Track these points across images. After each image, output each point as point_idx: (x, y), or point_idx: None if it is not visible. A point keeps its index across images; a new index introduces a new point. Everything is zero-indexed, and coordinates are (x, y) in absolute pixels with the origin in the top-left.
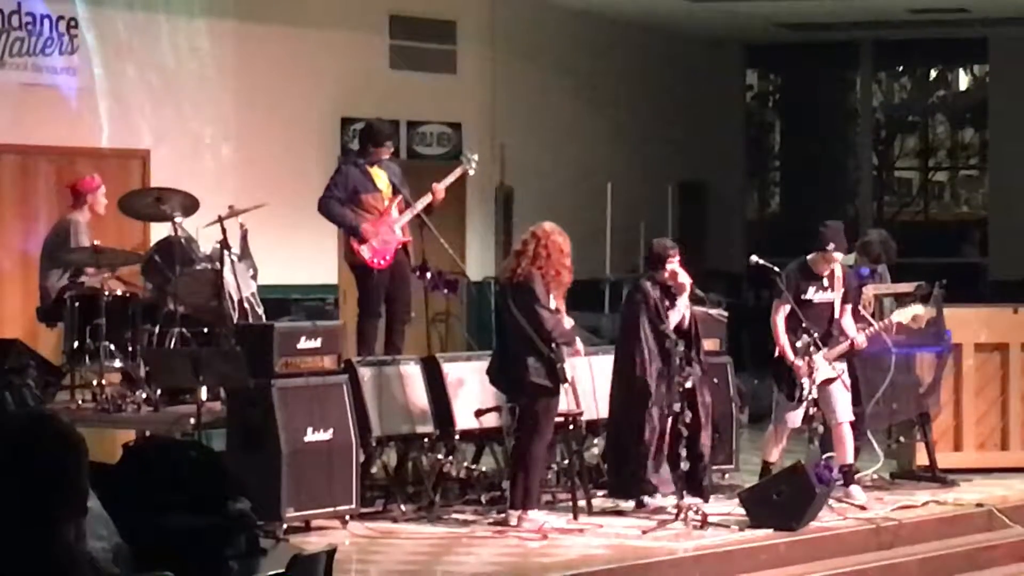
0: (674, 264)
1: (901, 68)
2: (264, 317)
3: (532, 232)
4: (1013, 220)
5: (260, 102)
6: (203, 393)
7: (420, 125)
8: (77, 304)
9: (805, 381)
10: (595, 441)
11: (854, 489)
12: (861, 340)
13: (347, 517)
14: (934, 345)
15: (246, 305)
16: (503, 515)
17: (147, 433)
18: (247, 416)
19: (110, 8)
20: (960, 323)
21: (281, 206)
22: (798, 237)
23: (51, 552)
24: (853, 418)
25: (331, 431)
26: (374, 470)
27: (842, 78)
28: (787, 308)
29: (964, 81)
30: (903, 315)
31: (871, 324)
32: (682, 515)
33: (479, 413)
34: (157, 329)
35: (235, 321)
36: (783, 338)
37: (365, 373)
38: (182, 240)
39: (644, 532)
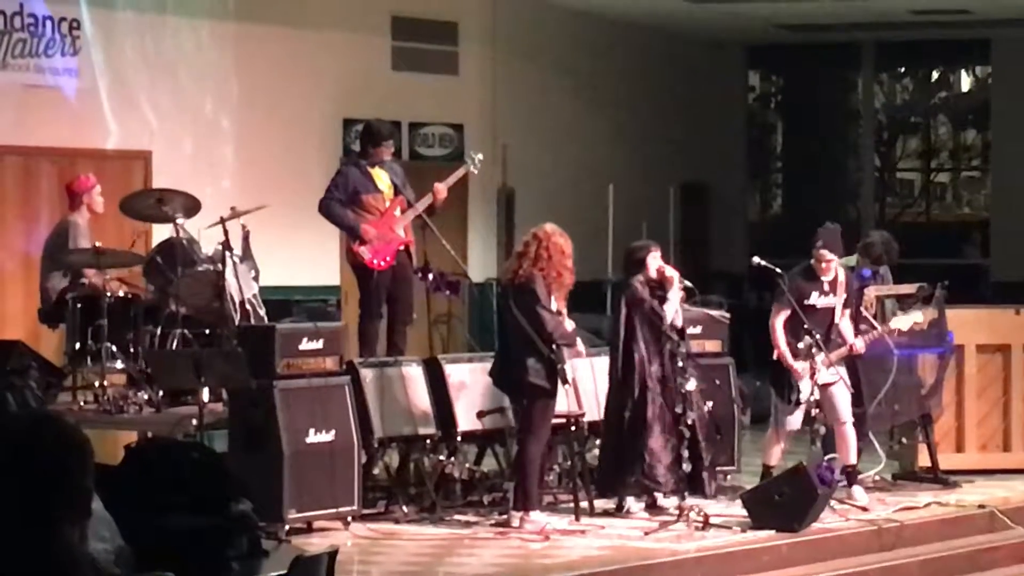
0: (657, 260)
1: (903, 69)
2: (266, 318)
3: (533, 233)
4: (1015, 221)
5: (262, 103)
6: (205, 394)
7: (422, 126)
8: (79, 305)
9: (805, 383)
10: (596, 442)
11: (856, 490)
12: (860, 345)
13: (349, 518)
14: (936, 346)
15: (248, 306)
16: (505, 516)
17: (149, 434)
18: (249, 417)
19: (112, 9)
20: (962, 324)
21: (283, 207)
22: (800, 238)
23: (53, 553)
24: (853, 419)
25: (333, 432)
26: (376, 471)
27: (844, 79)
28: (786, 312)
29: (966, 82)
30: (903, 322)
31: (873, 327)
32: (684, 516)
33: (481, 414)
34: (159, 330)
35: (237, 322)
36: (782, 342)
37: (367, 374)
38: (184, 241)
39: (646, 533)
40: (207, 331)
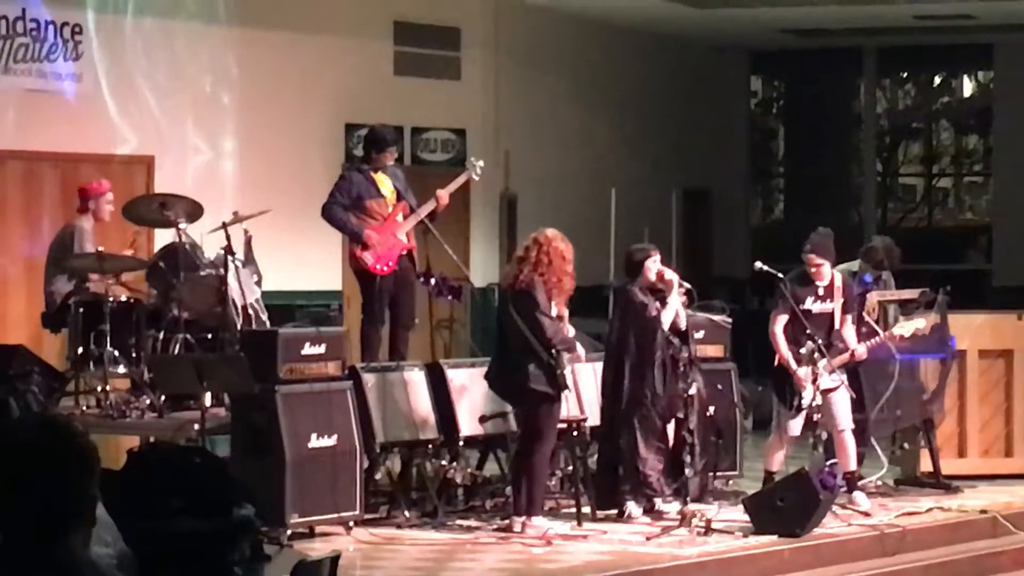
0: (656, 263)
1: (905, 74)
2: (268, 323)
3: (534, 238)
4: (1017, 226)
5: (264, 108)
6: (207, 399)
7: (424, 131)
8: (81, 310)
9: (808, 389)
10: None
11: (858, 496)
12: (861, 351)
13: (351, 523)
14: (938, 351)
15: (250, 311)
16: (507, 521)
17: (151, 439)
18: (251, 422)
19: (115, 14)
20: (964, 329)
21: (285, 212)
22: (802, 243)
23: (55, 559)
24: (853, 426)
25: (335, 437)
26: (378, 476)
27: (846, 84)
28: (785, 318)
29: (968, 87)
30: (905, 329)
31: (876, 332)
32: (686, 521)
33: (483, 419)
34: (161, 335)
35: (239, 327)
36: (783, 348)
37: (369, 379)
38: (186, 246)
39: (648, 538)
40: (210, 336)
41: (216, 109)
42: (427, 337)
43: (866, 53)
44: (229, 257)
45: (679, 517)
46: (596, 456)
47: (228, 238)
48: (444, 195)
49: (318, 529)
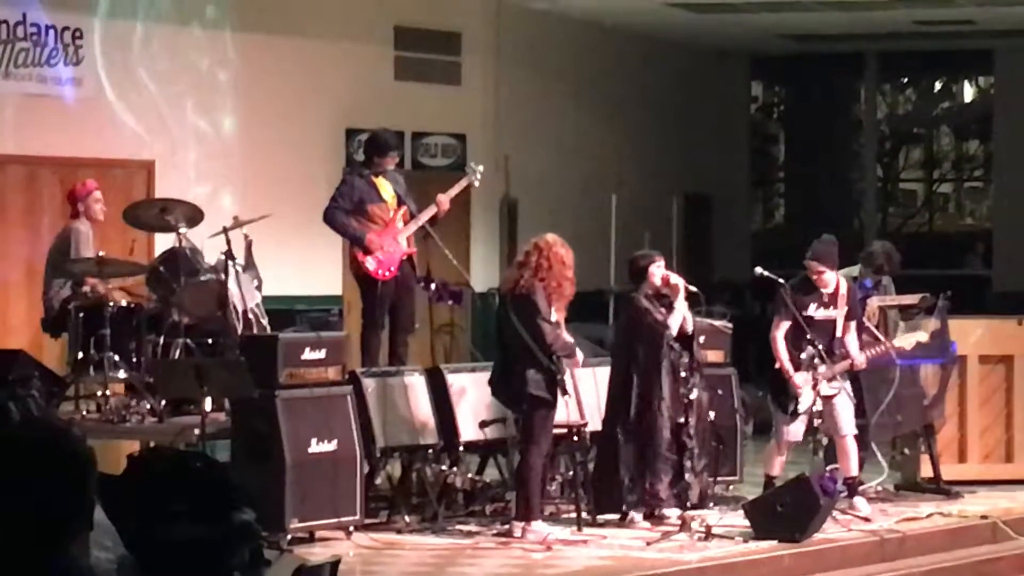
0: (661, 269)
1: (906, 80)
2: (268, 328)
3: (534, 243)
4: (1018, 232)
5: (265, 113)
6: (207, 404)
7: (425, 136)
8: (81, 315)
9: (806, 395)
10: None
11: (858, 501)
12: (861, 361)
13: (351, 528)
14: (939, 357)
15: (250, 316)
16: (507, 526)
17: (151, 444)
18: (251, 427)
19: (116, 19)
20: (965, 335)
21: (286, 217)
22: (803, 248)
23: (54, 564)
24: (856, 431)
25: (335, 442)
26: (378, 481)
27: (847, 89)
28: (787, 324)
29: (969, 93)
30: (906, 341)
31: (878, 340)
32: (686, 526)
33: (483, 424)
34: (161, 340)
35: (239, 332)
36: (784, 354)
37: (369, 384)
38: (187, 251)
39: (648, 543)
40: (210, 341)
41: (216, 114)
42: (427, 342)
43: (867, 58)
44: (230, 262)
45: (679, 522)
46: (595, 463)
47: (228, 243)
48: (444, 200)
49: (318, 534)
